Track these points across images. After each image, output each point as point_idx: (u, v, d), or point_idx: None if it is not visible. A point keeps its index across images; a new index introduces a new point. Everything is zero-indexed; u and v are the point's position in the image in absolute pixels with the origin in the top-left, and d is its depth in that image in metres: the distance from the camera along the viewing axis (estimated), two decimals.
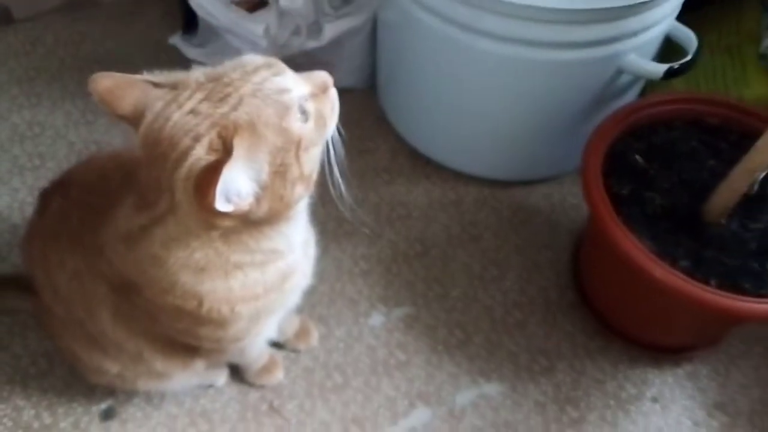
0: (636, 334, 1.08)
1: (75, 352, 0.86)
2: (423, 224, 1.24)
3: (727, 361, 1.10)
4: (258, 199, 0.59)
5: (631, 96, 1.19)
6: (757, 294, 0.87)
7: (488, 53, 1.04)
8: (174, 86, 0.59)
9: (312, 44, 1.29)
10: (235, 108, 0.56)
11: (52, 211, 0.80)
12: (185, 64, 1.41)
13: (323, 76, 0.65)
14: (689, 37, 1.08)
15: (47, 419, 0.99)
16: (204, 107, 0.57)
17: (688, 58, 1.04)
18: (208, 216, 0.58)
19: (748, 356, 1.11)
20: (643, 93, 1.24)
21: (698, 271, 0.89)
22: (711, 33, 1.23)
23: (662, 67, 1.04)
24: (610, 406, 1.04)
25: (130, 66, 1.49)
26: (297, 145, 0.60)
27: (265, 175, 0.58)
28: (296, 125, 0.60)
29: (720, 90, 1.19)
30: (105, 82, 0.58)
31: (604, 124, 1.01)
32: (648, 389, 1.06)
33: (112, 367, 0.85)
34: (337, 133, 0.67)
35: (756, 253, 0.91)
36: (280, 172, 0.59)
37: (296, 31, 1.29)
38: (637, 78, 1.12)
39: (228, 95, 0.57)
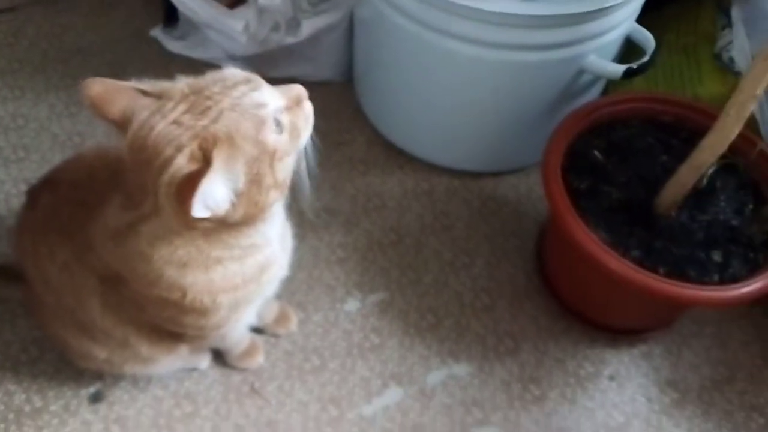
0: (594, 317, 1.15)
1: (65, 339, 0.91)
2: (397, 214, 1.30)
3: (680, 342, 1.18)
4: (234, 205, 0.64)
5: (594, 94, 1.25)
6: (701, 281, 0.94)
7: (458, 54, 1.09)
8: (160, 96, 0.63)
9: (290, 40, 1.33)
10: (215, 121, 0.61)
11: (42, 207, 0.84)
12: (166, 56, 1.47)
13: (298, 90, 0.69)
14: (647, 39, 1.14)
15: (38, 403, 1.04)
16: (186, 119, 0.61)
17: (646, 59, 1.11)
18: (188, 219, 0.63)
19: (699, 337, 1.18)
20: (605, 91, 1.30)
21: (648, 260, 0.96)
22: (669, 33, 1.29)
23: (621, 68, 1.10)
24: (570, 384, 1.12)
25: (112, 57, 1.53)
26: (272, 156, 0.65)
27: (241, 184, 0.63)
28: (271, 137, 0.64)
29: (677, 88, 1.25)
30: (96, 87, 0.63)
31: (565, 122, 1.07)
32: (605, 368, 1.14)
33: (101, 353, 0.90)
34: (310, 141, 0.72)
35: (702, 243, 0.98)
36: (255, 180, 0.64)
37: (275, 28, 1.32)
38: (598, 78, 1.18)
39: (209, 108, 0.62)
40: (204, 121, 0.61)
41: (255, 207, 0.66)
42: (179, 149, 0.60)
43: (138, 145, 0.62)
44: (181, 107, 0.62)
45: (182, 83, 0.64)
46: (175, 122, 0.61)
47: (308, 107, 0.70)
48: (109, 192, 0.73)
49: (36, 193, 0.86)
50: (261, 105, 0.64)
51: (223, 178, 0.61)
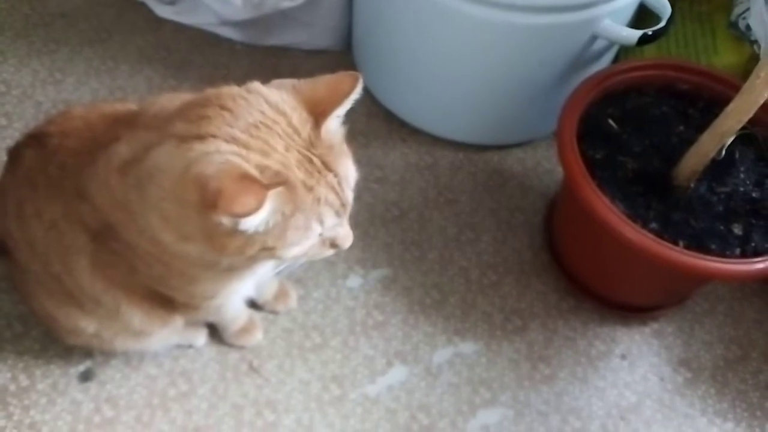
0: (606, 293, 1.11)
1: (50, 312, 0.85)
2: (400, 187, 1.25)
3: (692, 320, 1.15)
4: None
5: (604, 62, 1.20)
6: (722, 254, 0.90)
7: (466, 15, 1.04)
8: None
9: (287, 3, 1.27)
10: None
11: (26, 164, 0.79)
12: (155, 21, 1.40)
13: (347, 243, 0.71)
14: (663, 4, 1.09)
15: (24, 381, 0.98)
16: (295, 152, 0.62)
17: (662, 24, 1.06)
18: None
19: (711, 315, 1.15)
20: (616, 59, 1.26)
21: (667, 232, 0.92)
22: (683, 0, 1.25)
23: (636, 33, 1.05)
24: (581, 362, 1.08)
25: (98, 23, 1.45)
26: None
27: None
28: (300, 233, 0.63)
29: (690, 57, 1.21)
30: None
31: (579, 89, 1.02)
32: (617, 346, 1.11)
33: (89, 326, 0.85)
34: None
35: (722, 216, 0.95)
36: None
37: None
38: (611, 44, 1.14)
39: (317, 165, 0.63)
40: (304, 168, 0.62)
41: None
42: (266, 153, 0.60)
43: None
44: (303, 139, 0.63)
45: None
46: (286, 141, 0.62)
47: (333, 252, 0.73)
48: (114, 136, 0.68)
49: (18, 152, 0.81)
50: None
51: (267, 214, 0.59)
